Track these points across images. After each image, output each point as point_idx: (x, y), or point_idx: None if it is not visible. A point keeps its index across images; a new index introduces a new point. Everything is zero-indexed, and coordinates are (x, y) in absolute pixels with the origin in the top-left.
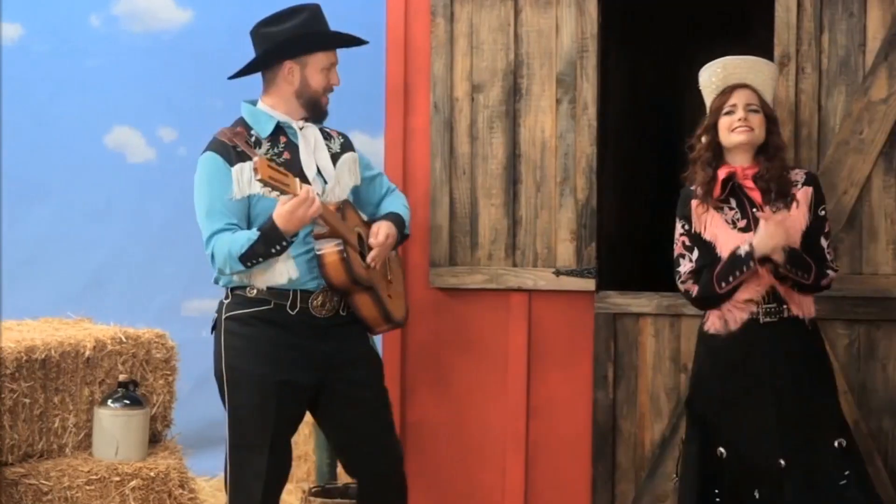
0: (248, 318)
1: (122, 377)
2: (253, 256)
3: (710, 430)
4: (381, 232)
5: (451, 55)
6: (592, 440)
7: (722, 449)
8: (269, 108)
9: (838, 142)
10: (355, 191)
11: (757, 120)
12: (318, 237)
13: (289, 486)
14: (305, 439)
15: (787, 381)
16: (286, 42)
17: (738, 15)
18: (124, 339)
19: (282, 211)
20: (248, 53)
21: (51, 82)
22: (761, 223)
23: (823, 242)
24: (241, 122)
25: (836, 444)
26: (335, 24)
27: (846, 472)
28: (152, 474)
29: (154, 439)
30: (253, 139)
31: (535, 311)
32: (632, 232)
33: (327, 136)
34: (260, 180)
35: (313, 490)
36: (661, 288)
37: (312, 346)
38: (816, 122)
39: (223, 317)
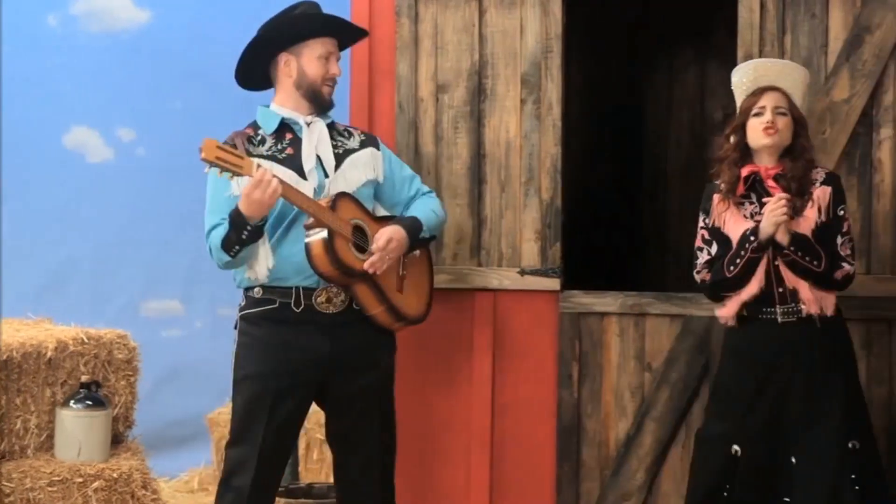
0: (256, 317)
1: (84, 378)
2: (230, 244)
3: (727, 427)
4: (384, 237)
5: (416, 55)
6: (557, 439)
7: (737, 447)
8: (277, 107)
9: None
10: (377, 188)
11: (784, 122)
12: (308, 227)
13: None
14: None
15: (803, 380)
16: (276, 32)
17: (699, 15)
18: (86, 340)
19: (242, 195)
20: (207, 53)
21: (9, 82)
22: (767, 204)
23: (839, 240)
24: (253, 123)
25: (849, 445)
26: None
27: (852, 476)
28: (115, 475)
29: (116, 440)
30: (259, 138)
31: (500, 310)
32: (595, 232)
33: (345, 133)
34: (204, 159)
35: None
36: (626, 287)
37: (317, 345)
38: None
39: (238, 317)
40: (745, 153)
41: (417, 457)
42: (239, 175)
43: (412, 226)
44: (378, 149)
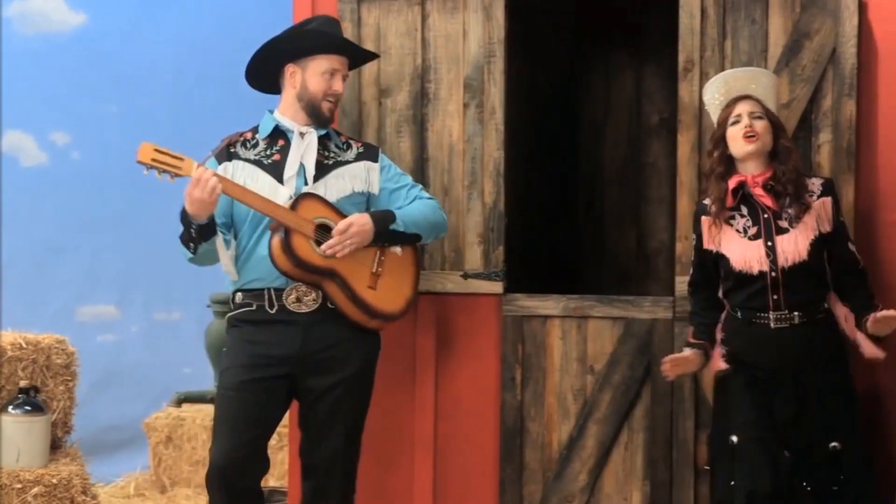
0: (237, 320)
1: (22, 383)
2: (185, 241)
3: (729, 423)
4: (344, 223)
5: None
6: (500, 441)
7: (734, 437)
8: (278, 114)
9: None
10: (373, 199)
11: (762, 126)
12: (272, 229)
13: (187, 492)
14: (204, 444)
15: (795, 381)
16: (286, 43)
17: (634, 19)
18: (24, 345)
19: (184, 194)
20: (143, 56)
21: None
22: None
23: (851, 247)
24: (255, 127)
25: (830, 446)
26: (239, 29)
27: (840, 477)
28: (54, 481)
29: (55, 445)
30: (254, 141)
31: (443, 313)
32: (538, 235)
33: (344, 146)
34: (139, 162)
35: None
36: (567, 291)
37: (288, 342)
38: None
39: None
40: (729, 165)
41: (362, 460)
42: (178, 175)
43: (381, 216)
44: (375, 161)
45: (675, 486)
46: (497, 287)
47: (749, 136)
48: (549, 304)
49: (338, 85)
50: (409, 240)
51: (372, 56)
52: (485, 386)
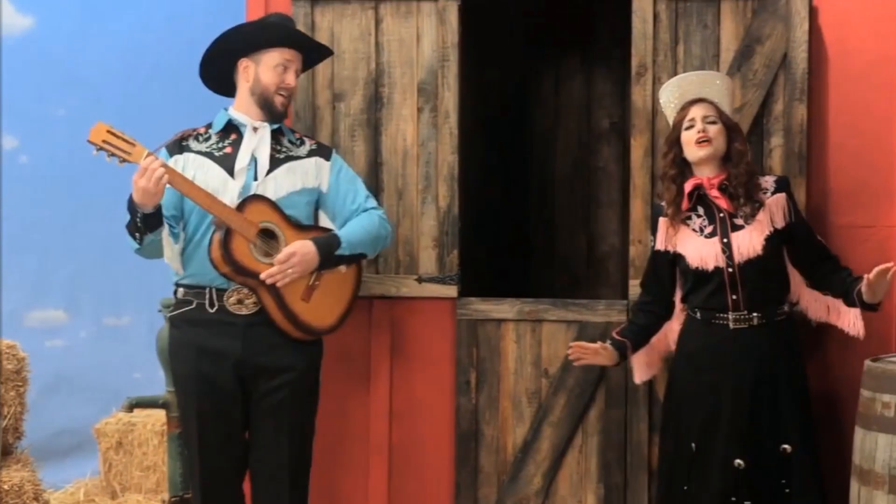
0: (177, 320)
1: None
2: (130, 230)
3: (682, 427)
4: (287, 251)
5: None
6: (455, 445)
7: (694, 444)
8: (232, 109)
9: None
10: (323, 201)
11: (715, 130)
12: (216, 225)
13: (138, 497)
14: (154, 449)
15: (749, 384)
16: (238, 36)
17: (584, 24)
18: None
19: (132, 181)
20: (91, 60)
21: None
22: None
23: (819, 238)
24: (209, 123)
25: (781, 448)
26: (189, 32)
27: (790, 480)
28: (6, 487)
29: (5, 451)
30: (206, 135)
31: (398, 317)
32: (490, 239)
33: (297, 141)
34: (90, 142)
35: (172, 501)
36: (519, 294)
37: (229, 346)
38: None
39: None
40: (683, 168)
41: (316, 464)
42: (127, 161)
43: (326, 242)
44: (327, 159)
45: (629, 489)
46: (451, 291)
47: (701, 141)
48: (503, 308)
49: (290, 78)
50: (355, 259)
51: (326, 51)
52: (439, 390)
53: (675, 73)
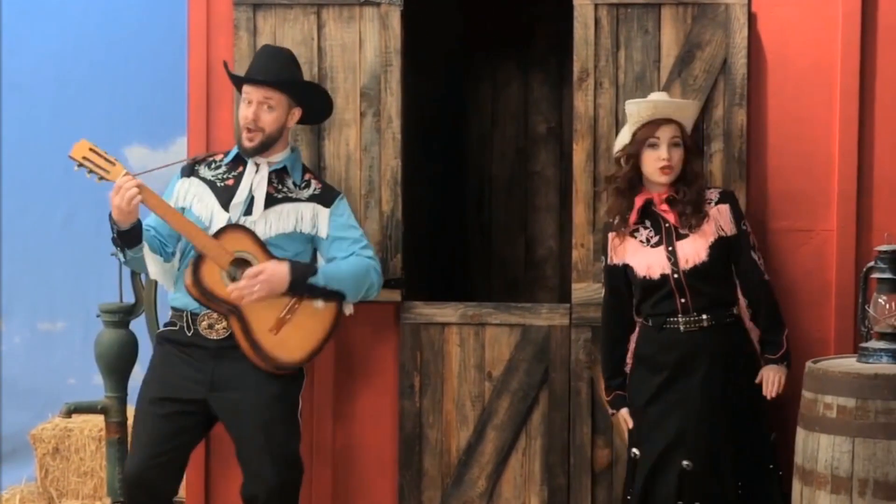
0: (161, 338)
1: None
2: (113, 243)
3: (631, 431)
4: (257, 268)
5: None
6: (399, 448)
7: (635, 450)
8: None
9: None
10: (319, 245)
11: (677, 155)
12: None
13: (75, 503)
14: (92, 455)
15: (701, 384)
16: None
17: (520, 28)
18: None
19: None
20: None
21: None
22: None
23: (754, 255)
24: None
25: (734, 450)
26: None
27: (740, 483)
28: None
29: None
30: (217, 163)
31: (341, 320)
32: (430, 243)
33: (300, 183)
34: (71, 157)
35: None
36: (463, 298)
37: (200, 367)
38: (614, 136)
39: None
40: (635, 182)
41: None
42: (105, 179)
43: (301, 268)
44: (328, 206)
45: (572, 491)
46: (395, 295)
47: (665, 169)
48: (447, 312)
49: (248, 111)
50: (330, 296)
51: (293, 84)
52: (383, 393)
53: (617, 79)
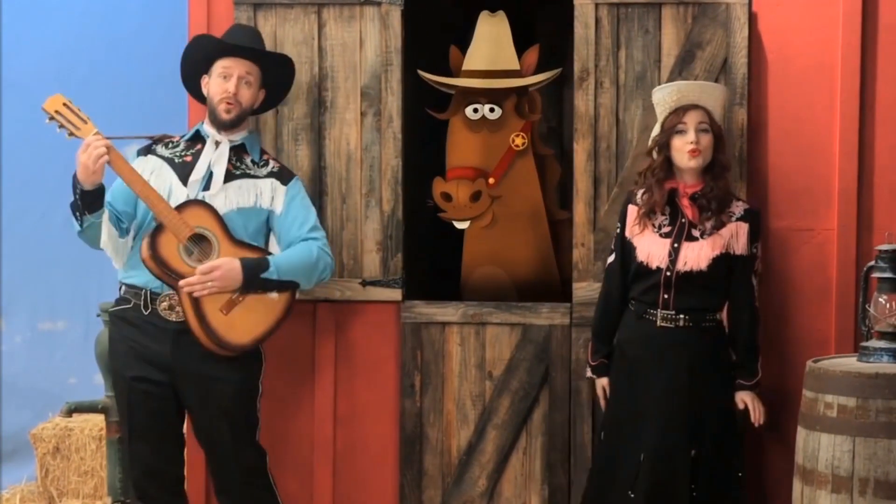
0: (115, 317)
1: None
2: (72, 209)
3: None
4: (210, 264)
5: None
6: (399, 448)
7: (603, 433)
8: (203, 121)
9: (635, 155)
10: (273, 221)
11: (706, 140)
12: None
13: (76, 502)
14: (92, 454)
15: (666, 381)
16: (196, 56)
17: (520, 30)
18: None
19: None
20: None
21: None
22: None
23: (753, 281)
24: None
25: (692, 453)
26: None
27: (697, 485)
28: None
29: None
30: (175, 142)
31: (342, 320)
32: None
33: (259, 161)
34: (44, 109)
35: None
36: (458, 297)
37: (159, 349)
38: (615, 136)
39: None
40: (668, 168)
41: None
42: (75, 136)
43: (253, 264)
44: (284, 184)
45: (573, 490)
46: (396, 294)
47: (693, 151)
48: (447, 311)
49: (230, 85)
50: (285, 287)
51: (279, 58)
52: (384, 392)
53: (618, 78)
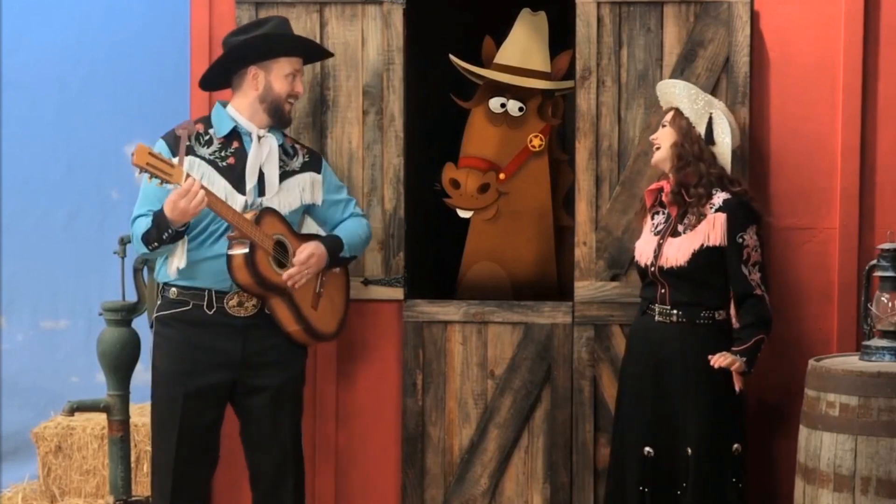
0: (169, 319)
1: None
2: (150, 240)
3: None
4: (305, 252)
5: None
6: (402, 447)
7: (649, 448)
8: (234, 111)
9: (637, 153)
10: (314, 211)
11: (662, 134)
12: (231, 238)
13: (78, 501)
14: (94, 453)
15: (659, 376)
16: (251, 47)
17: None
18: None
19: (167, 200)
20: (26, 63)
21: None
22: None
23: (744, 270)
24: (206, 119)
25: (687, 450)
26: (127, 36)
27: (684, 483)
28: None
29: None
30: (207, 137)
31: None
32: (434, 241)
33: (291, 152)
34: (135, 164)
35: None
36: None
37: (228, 346)
38: (617, 134)
39: (153, 317)
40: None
41: None
42: (168, 182)
43: (333, 244)
44: (319, 172)
45: (574, 489)
46: (398, 293)
47: (654, 147)
48: (449, 310)
49: (299, 86)
50: (349, 262)
51: (328, 55)
52: (386, 391)
53: (619, 77)
